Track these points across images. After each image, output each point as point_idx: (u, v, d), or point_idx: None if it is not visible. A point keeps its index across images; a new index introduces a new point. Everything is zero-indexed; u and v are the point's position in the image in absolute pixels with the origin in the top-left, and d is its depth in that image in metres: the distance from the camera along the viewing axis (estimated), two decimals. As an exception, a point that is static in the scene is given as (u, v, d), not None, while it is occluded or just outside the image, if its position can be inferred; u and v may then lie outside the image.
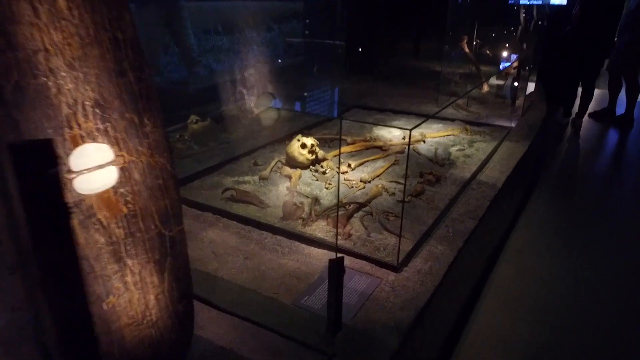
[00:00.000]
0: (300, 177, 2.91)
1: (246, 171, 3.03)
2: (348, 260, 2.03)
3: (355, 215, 2.46)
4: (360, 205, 2.52)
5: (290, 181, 2.83)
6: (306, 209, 2.49)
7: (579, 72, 6.27)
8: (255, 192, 2.72)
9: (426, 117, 3.85)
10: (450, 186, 2.86)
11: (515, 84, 4.51)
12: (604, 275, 3.09)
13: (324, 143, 3.58)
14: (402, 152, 3.40)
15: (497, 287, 2.87)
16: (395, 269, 1.95)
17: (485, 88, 5.21)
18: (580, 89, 6.45)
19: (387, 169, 3.09)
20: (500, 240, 3.36)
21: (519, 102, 4.64)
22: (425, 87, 5.43)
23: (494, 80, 5.62)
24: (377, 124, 4.09)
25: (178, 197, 1.40)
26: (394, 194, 2.73)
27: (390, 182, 2.90)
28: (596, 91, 6.47)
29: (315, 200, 2.59)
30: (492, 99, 5.10)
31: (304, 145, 2.99)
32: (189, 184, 2.82)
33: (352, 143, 3.50)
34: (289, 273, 1.95)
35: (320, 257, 2.07)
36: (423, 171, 2.97)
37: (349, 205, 2.53)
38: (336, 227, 2.26)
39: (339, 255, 1.47)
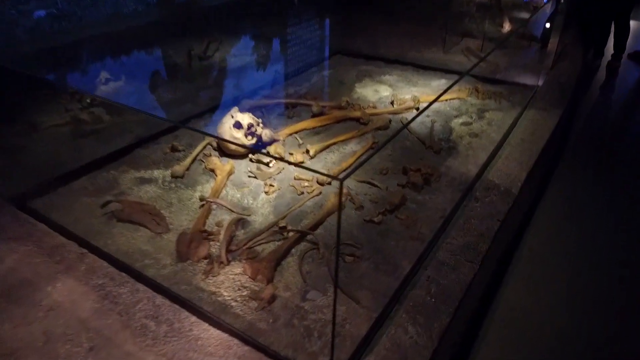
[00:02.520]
0: (230, 173, 2.05)
1: (158, 160, 2.16)
2: (253, 362, 1.23)
3: (293, 250, 1.63)
4: (302, 235, 1.67)
5: (214, 180, 1.98)
6: (221, 236, 1.66)
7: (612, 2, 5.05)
8: (159, 199, 1.88)
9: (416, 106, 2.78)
10: (445, 191, 1.98)
11: (547, 25, 3.43)
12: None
13: (284, 110, 2.68)
14: (385, 127, 2.48)
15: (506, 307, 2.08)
16: (327, 389, 1.15)
17: (507, 27, 4.11)
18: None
19: (359, 157, 2.20)
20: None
21: (551, 46, 3.59)
22: (433, 24, 4.33)
23: (520, 16, 4.48)
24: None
25: None
26: (361, 207, 1.87)
27: (361, 182, 2.03)
28: (638, 26, 5.24)
29: (237, 222, 1.74)
30: (516, 42, 4.02)
31: (238, 125, 2.10)
32: (71, 183, 1.98)
33: (319, 114, 2.58)
34: (149, 389, 1.17)
35: (213, 348, 1.27)
36: (407, 166, 2.08)
37: (288, 233, 1.69)
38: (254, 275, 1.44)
39: None
